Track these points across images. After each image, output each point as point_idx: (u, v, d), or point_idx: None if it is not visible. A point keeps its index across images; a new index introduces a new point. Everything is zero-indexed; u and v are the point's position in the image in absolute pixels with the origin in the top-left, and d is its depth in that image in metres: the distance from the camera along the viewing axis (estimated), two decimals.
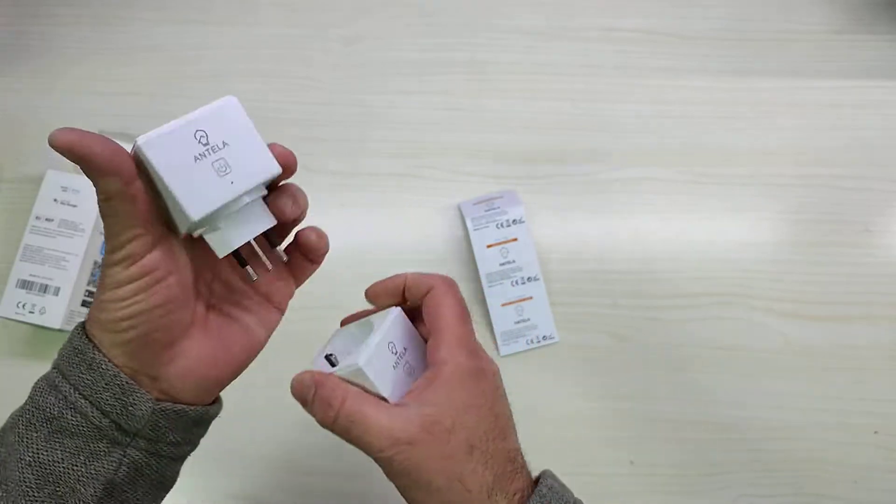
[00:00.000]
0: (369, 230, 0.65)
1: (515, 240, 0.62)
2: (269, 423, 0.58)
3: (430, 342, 0.34)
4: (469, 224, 0.63)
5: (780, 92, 0.70)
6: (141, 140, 0.29)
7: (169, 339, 0.32)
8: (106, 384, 0.30)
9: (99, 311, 0.30)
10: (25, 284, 0.58)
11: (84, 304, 0.60)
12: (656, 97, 0.70)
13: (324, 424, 0.33)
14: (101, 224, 0.60)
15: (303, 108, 0.70)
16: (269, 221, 0.33)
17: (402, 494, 0.33)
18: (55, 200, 0.60)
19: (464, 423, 0.32)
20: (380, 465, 0.32)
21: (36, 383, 0.33)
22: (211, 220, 0.31)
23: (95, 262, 0.61)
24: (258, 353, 0.36)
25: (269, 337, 0.36)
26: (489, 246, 0.62)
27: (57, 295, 0.57)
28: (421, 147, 0.68)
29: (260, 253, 0.34)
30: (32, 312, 0.57)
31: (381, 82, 0.71)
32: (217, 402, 0.36)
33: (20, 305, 0.57)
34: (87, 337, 0.31)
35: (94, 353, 0.30)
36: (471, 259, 0.62)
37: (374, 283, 0.37)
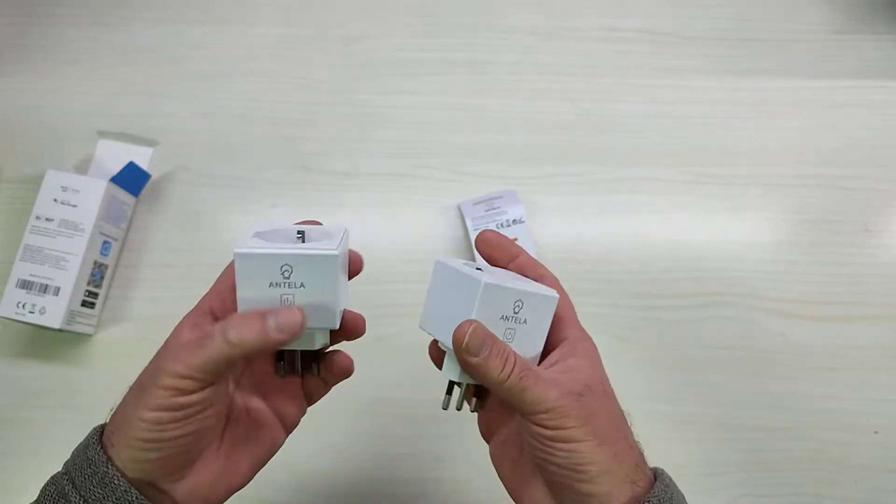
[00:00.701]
0: (369, 230, 0.65)
1: (515, 240, 0.62)
2: None
3: (554, 322, 0.35)
4: (469, 224, 0.63)
5: (780, 92, 0.70)
6: (238, 250, 0.32)
7: (187, 462, 0.32)
8: (116, 500, 0.30)
9: (128, 426, 0.31)
10: (25, 284, 0.58)
11: (84, 304, 0.60)
12: (656, 97, 0.70)
13: (499, 378, 0.31)
14: (102, 224, 0.60)
15: (303, 108, 0.70)
16: (319, 345, 0.35)
17: (558, 456, 0.31)
18: (55, 200, 0.60)
19: (611, 390, 0.34)
20: (542, 423, 0.31)
21: (45, 488, 0.32)
22: None
23: (95, 262, 0.61)
24: (262, 467, 0.36)
25: (272, 455, 0.37)
26: None
27: (57, 295, 0.57)
28: (421, 147, 0.68)
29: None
30: (32, 312, 0.57)
31: (381, 82, 0.71)
32: None
33: (20, 305, 0.57)
34: (101, 447, 0.31)
35: (107, 468, 0.30)
36: (471, 259, 0.62)
37: (493, 233, 0.37)
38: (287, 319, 0.30)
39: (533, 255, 0.60)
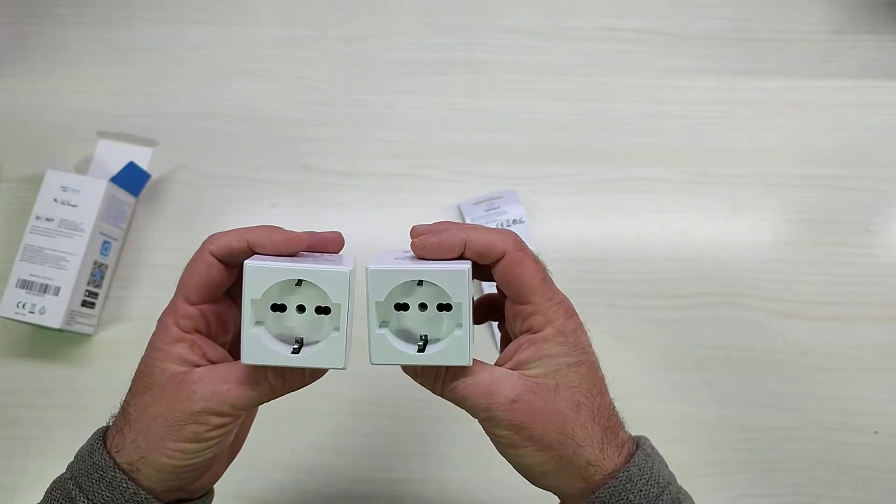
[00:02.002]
0: (369, 230, 0.65)
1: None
2: (270, 424, 0.58)
3: (516, 308, 0.33)
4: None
5: (780, 92, 0.70)
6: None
7: (209, 468, 0.34)
8: (125, 502, 0.31)
9: (158, 453, 0.31)
10: (25, 284, 0.58)
11: (84, 304, 0.60)
12: (656, 97, 0.70)
13: (432, 390, 0.33)
14: (102, 224, 0.60)
15: (303, 108, 0.70)
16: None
17: (510, 457, 0.33)
18: (55, 200, 0.60)
19: (567, 382, 0.32)
20: (487, 427, 0.32)
21: (51, 492, 0.33)
22: None
23: (95, 262, 0.61)
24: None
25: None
26: None
27: (57, 295, 0.57)
28: (421, 147, 0.68)
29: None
30: (32, 312, 0.57)
31: (381, 82, 0.71)
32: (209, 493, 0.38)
33: (20, 305, 0.57)
34: (108, 454, 0.32)
35: (114, 473, 0.31)
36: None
37: (423, 235, 0.33)
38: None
39: None
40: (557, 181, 0.67)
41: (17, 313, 0.57)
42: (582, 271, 0.63)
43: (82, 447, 0.34)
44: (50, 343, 0.61)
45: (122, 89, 0.70)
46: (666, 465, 0.35)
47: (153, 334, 0.34)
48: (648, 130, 0.69)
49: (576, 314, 0.34)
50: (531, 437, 0.31)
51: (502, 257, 0.32)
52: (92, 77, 0.71)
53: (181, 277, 0.34)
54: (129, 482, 0.31)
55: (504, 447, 0.32)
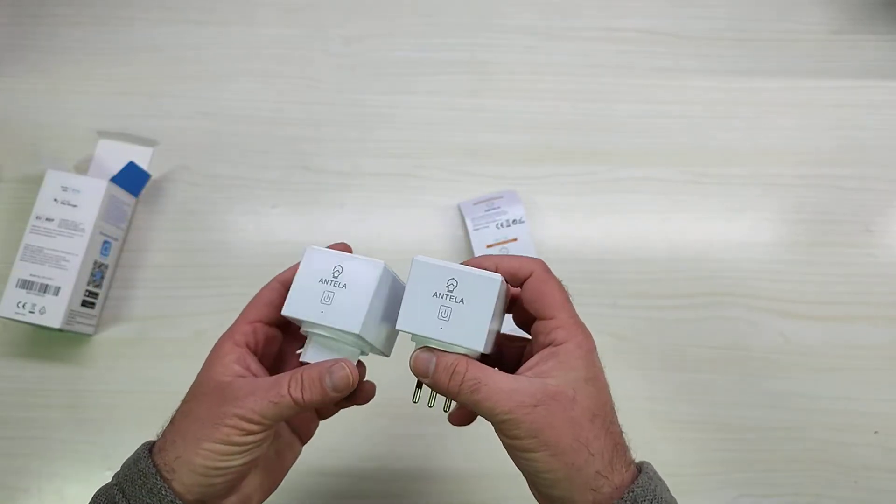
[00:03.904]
0: (369, 230, 0.65)
1: (515, 240, 0.62)
2: None
3: (540, 324, 0.35)
4: (469, 224, 0.63)
5: (780, 92, 0.70)
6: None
7: (238, 484, 0.36)
8: None
9: (193, 454, 0.33)
10: (25, 284, 0.58)
11: (84, 304, 0.60)
12: (656, 97, 0.70)
13: (449, 391, 0.33)
14: (102, 224, 0.60)
15: (303, 108, 0.70)
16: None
17: (522, 462, 0.33)
18: (55, 200, 0.60)
19: (586, 393, 0.33)
20: (502, 431, 0.33)
21: (96, 497, 0.35)
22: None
23: (95, 262, 0.61)
24: (283, 477, 0.41)
25: (293, 463, 0.41)
26: (489, 246, 0.62)
27: (57, 295, 0.58)
28: (421, 147, 0.68)
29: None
30: (32, 312, 0.57)
31: (381, 82, 0.71)
32: None
33: (20, 305, 0.57)
34: (152, 462, 0.33)
35: (156, 480, 0.33)
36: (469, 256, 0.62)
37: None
38: (340, 380, 0.34)
39: (533, 255, 0.61)
40: (557, 181, 0.67)
41: (17, 313, 0.57)
42: (582, 271, 0.63)
43: (129, 457, 0.35)
44: (50, 343, 0.61)
45: (122, 89, 0.70)
46: (668, 490, 0.35)
47: (210, 351, 0.37)
48: (648, 130, 0.69)
49: (592, 338, 0.36)
50: (547, 442, 0.32)
51: (531, 275, 0.36)
52: (92, 77, 0.71)
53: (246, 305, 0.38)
54: (168, 490, 0.32)
55: (518, 451, 0.33)
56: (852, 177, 0.67)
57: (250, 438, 0.33)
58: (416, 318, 0.34)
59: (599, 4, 0.74)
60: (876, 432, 0.58)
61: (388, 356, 0.39)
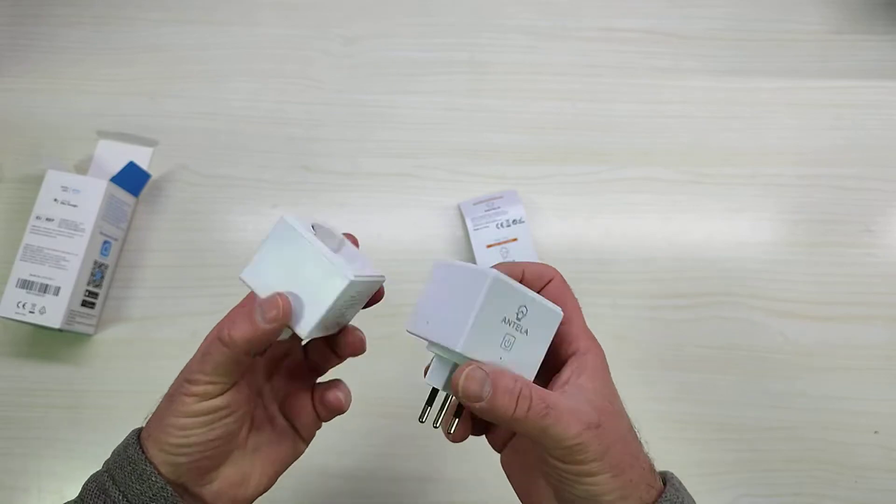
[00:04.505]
0: (369, 230, 0.65)
1: (515, 240, 0.62)
2: None
3: (562, 328, 0.33)
4: (469, 224, 0.63)
5: (780, 92, 0.70)
6: (287, 218, 0.33)
7: (214, 465, 0.35)
8: (153, 495, 0.32)
9: (159, 431, 0.33)
10: (25, 284, 0.58)
11: (84, 304, 0.60)
12: (656, 97, 0.70)
13: (515, 418, 0.29)
14: (102, 224, 0.60)
15: (303, 108, 0.70)
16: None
17: (577, 487, 0.30)
18: (55, 200, 0.60)
19: (620, 406, 0.33)
20: (562, 458, 0.30)
21: (86, 484, 0.34)
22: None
23: (95, 262, 0.61)
24: (283, 472, 0.38)
25: (293, 462, 0.39)
26: (489, 246, 0.62)
27: (57, 295, 0.57)
28: (421, 147, 0.68)
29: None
30: (32, 312, 0.57)
31: (381, 82, 0.71)
32: None
33: (20, 305, 0.57)
34: (140, 448, 0.33)
35: (145, 465, 0.33)
36: (471, 259, 0.62)
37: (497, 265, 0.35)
38: (269, 308, 0.31)
39: (533, 255, 0.61)
40: (557, 181, 0.67)
41: (17, 313, 0.57)
42: (582, 271, 0.63)
43: (119, 444, 0.35)
44: (50, 343, 0.61)
45: (122, 89, 0.70)
46: (693, 501, 0.35)
47: None
48: (648, 130, 0.69)
49: None
50: (612, 463, 0.30)
51: (552, 280, 0.35)
52: (92, 77, 0.71)
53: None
54: (157, 476, 0.32)
55: (577, 477, 0.30)
56: (852, 177, 0.67)
57: (207, 405, 0.32)
58: (481, 344, 0.30)
59: (599, 4, 0.74)
60: (876, 432, 0.58)
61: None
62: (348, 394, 0.38)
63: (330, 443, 0.58)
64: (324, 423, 0.41)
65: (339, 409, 0.38)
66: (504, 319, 0.30)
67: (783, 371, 0.60)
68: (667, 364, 0.61)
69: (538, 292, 0.33)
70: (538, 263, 0.35)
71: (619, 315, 0.62)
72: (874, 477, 0.57)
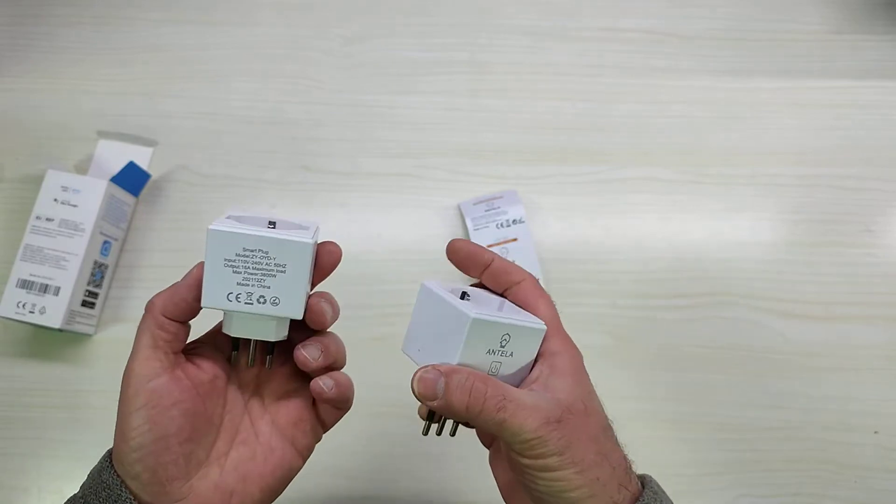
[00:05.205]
0: (369, 230, 0.65)
1: (515, 240, 0.62)
2: None
3: None
4: (469, 224, 0.63)
5: (780, 92, 0.70)
6: (213, 226, 0.35)
7: (176, 476, 0.32)
8: None
9: (118, 439, 0.32)
10: (25, 284, 0.58)
11: (84, 303, 0.60)
12: (656, 97, 0.70)
13: (469, 412, 0.30)
14: (102, 224, 0.60)
15: (303, 108, 0.70)
16: (275, 336, 0.34)
17: (541, 484, 0.31)
18: (55, 200, 0.60)
19: (593, 406, 0.33)
20: (522, 452, 0.30)
21: None
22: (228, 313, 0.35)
23: (95, 262, 0.61)
24: (277, 493, 0.36)
25: (288, 480, 0.36)
26: (489, 246, 0.62)
27: (57, 295, 0.57)
28: (421, 147, 0.68)
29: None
30: (32, 312, 0.57)
31: (381, 82, 0.71)
32: None
33: (20, 305, 0.57)
34: (114, 472, 0.32)
35: (120, 490, 0.31)
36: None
37: (463, 241, 0.36)
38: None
39: (533, 254, 0.61)
40: (557, 181, 0.67)
41: (17, 313, 0.57)
42: (582, 271, 0.63)
43: (94, 467, 0.34)
44: (50, 343, 0.61)
45: (122, 89, 0.70)
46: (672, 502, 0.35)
47: None
48: (648, 130, 0.69)
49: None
50: (574, 459, 0.30)
51: (521, 282, 0.35)
52: (92, 77, 0.71)
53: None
54: (133, 501, 0.31)
55: (539, 472, 0.30)
56: (852, 177, 0.67)
57: (141, 396, 0.31)
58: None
59: (599, 4, 0.74)
60: (876, 432, 0.59)
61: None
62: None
63: (328, 442, 0.58)
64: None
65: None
66: (489, 351, 0.31)
67: (783, 371, 0.60)
68: (667, 364, 0.61)
69: (503, 290, 0.35)
70: (510, 262, 0.35)
71: (618, 315, 0.62)
72: (874, 477, 0.57)
